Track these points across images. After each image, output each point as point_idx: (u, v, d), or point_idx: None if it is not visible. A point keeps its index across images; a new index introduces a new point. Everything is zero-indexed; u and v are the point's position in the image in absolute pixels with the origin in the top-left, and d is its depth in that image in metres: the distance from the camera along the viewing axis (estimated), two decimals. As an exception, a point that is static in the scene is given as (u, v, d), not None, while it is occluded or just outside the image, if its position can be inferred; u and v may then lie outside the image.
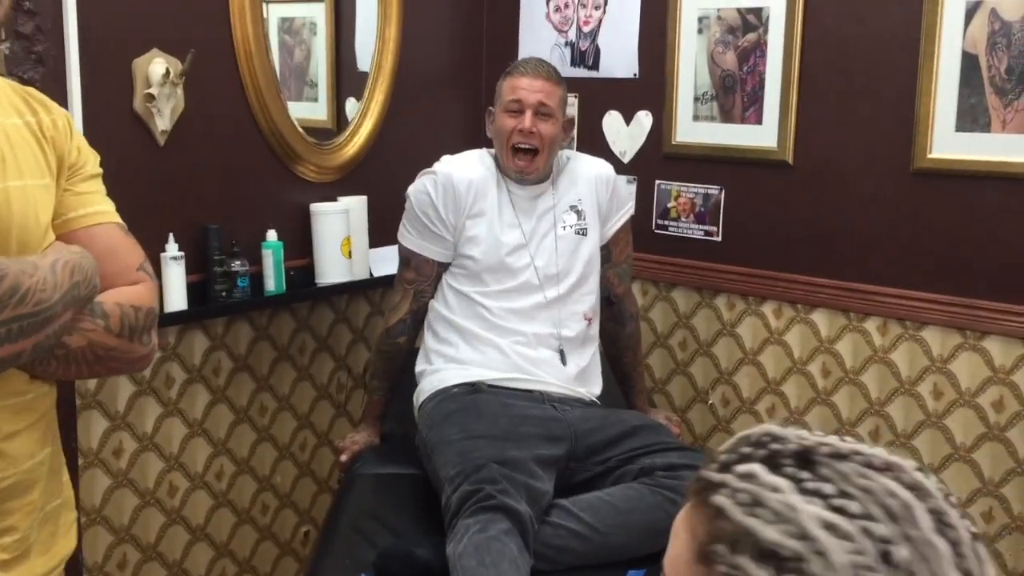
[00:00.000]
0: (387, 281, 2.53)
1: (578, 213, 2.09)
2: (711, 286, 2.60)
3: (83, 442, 2.09)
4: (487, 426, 1.80)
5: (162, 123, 2.13)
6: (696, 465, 1.81)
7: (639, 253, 2.41)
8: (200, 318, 2.25)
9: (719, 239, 2.58)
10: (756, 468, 0.63)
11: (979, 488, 2.23)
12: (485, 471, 1.66)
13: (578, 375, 2.04)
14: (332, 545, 1.77)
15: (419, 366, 2.10)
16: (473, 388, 1.94)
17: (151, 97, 2.09)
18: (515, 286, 2.02)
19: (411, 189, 2.10)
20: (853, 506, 0.60)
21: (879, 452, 0.64)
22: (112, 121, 2.05)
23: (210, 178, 2.25)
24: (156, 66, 2.08)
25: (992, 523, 2.22)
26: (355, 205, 2.53)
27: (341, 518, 1.85)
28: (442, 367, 2.01)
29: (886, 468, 0.63)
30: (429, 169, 2.09)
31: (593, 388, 2.09)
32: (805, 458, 0.63)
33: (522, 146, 2.02)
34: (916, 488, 0.62)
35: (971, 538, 0.61)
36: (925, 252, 2.26)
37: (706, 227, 2.59)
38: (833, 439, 0.65)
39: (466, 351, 2.01)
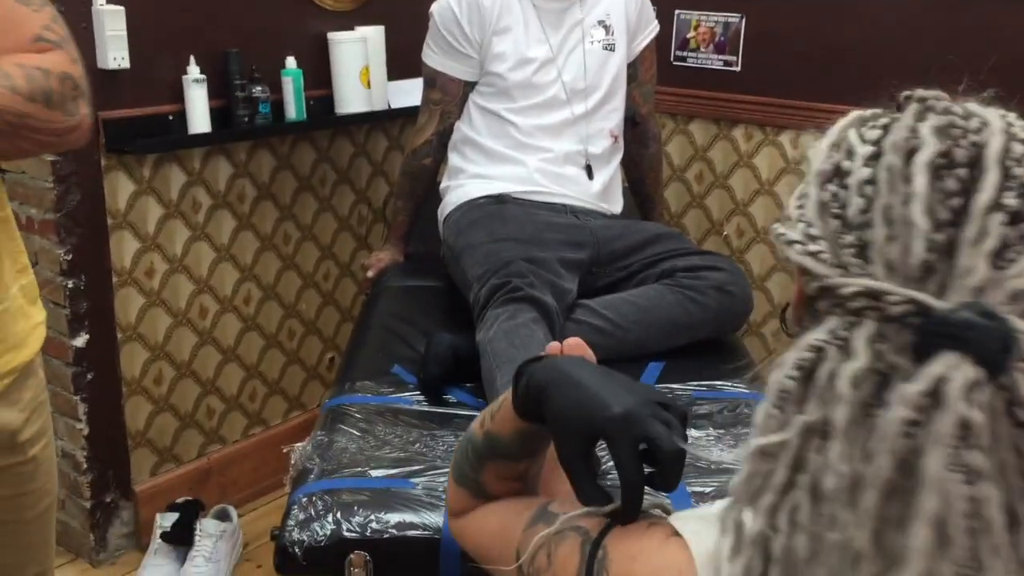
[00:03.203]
0: (406, 113, 2.55)
1: (606, 28, 2.08)
2: (729, 117, 2.60)
3: (116, 261, 2.15)
4: (513, 230, 1.85)
5: (179, -59, 2.11)
6: (718, 266, 1.87)
7: (657, 86, 2.41)
8: (224, 142, 2.28)
9: (738, 69, 2.57)
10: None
11: None
12: (513, 266, 1.72)
13: (602, 191, 2.07)
14: (366, 340, 1.84)
15: (444, 183, 2.13)
16: (498, 199, 1.98)
17: (167, -87, 2.07)
18: (543, 101, 2.02)
19: (435, 7, 2.08)
20: (873, 133, 0.60)
21: (977, 107, 0.60)
22: (130, -63, 2.03)
23: (228, 0, 2.24)
24: None
25: None
26: (373, 35, 2.52)
27: (372, 321, 1.92)
28: (467, 182, 2.05)
29: (943, 112, 0.59)
30: (452, -15, 2.07)
31: (615, 206, 2.13)
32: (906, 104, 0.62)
33: None
34: (945, 130, 0.57)
35: (960, 194, 0.55)
36: (948, 73, 2.25)
37: (725, 57, 2.58)
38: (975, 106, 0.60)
39: (492, 168, 2.04)
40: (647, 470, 0.74)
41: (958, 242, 0.54)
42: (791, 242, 0.60)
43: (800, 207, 0.63)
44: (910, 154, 0.57)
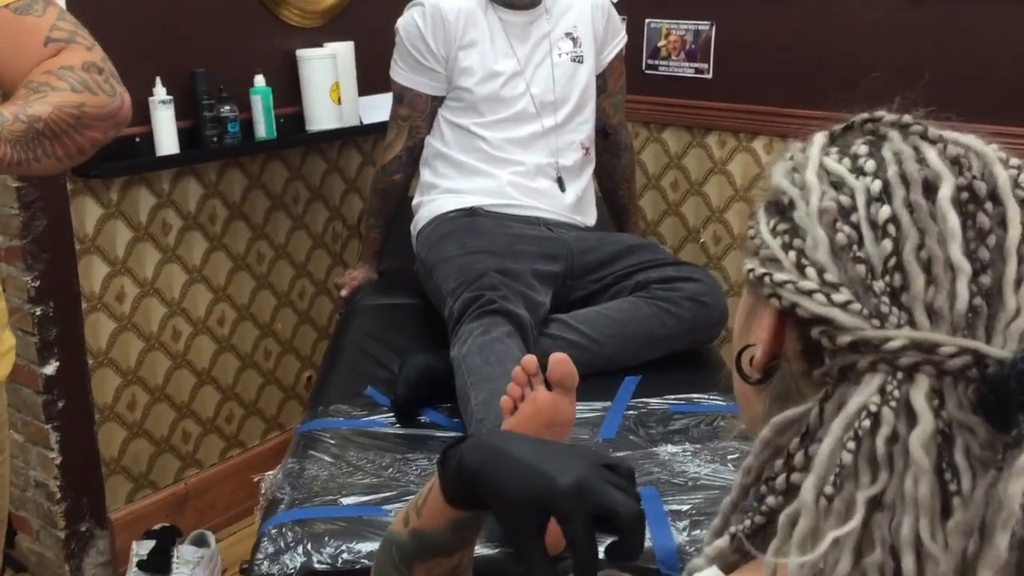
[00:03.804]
0: (378, 129, 2.52)
1: (574, 40, 2.07)
2: (702, 125, 2.60)
3: (85, 286, 2.12)
4: (485, 243, 1.84)
5: (142, -39, 2.09)
6: (692, 277, 1.86)
7: (629, 95, 2.40)
8: (193, 162, 2.25)
9: (710, 76, 2.56)
10: (822, 135, 0.59)
11: None
12: (485, 279, 1.70)
13: (575, 204, 2.06)
14: (339, 361, 1.82)
15: (416, 199, 2.12)
16: (471, 212, 1.96)
17: (129, -67, 2.04)
18: (511, 115, 2.01)
19: (400, 23, 2.07)
20: (868, 164, 0.55)
21: (956, 134, 0.56)
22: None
23: (193, 20, 2.22)
24: (132, -102, 2.02)
25: None
26: (342, 51, 2.50)
27: (345, 341, 1.90)
28: (439, 196, 2.03)
29: (938, 140, 0.56)
30: (417, 0, 2.06)
31: (588, 219, 2.12)
32: (877, 128, 0.58)
33: None
34: (956, 161, 0.54)
35: (1000, 229, 0.52)
36: (920, 78, 2.24)
37: (697, 64, 2.57)
38: (952, 134, 0.57)
39: (463, 182, 2.02)
40: (607, 539, 0.67)
41: (1001, 283, 0.51)
42: (808, 292, 0.53)
43: (790, 246, 0.55)
44: (928, 188, 0.53)
